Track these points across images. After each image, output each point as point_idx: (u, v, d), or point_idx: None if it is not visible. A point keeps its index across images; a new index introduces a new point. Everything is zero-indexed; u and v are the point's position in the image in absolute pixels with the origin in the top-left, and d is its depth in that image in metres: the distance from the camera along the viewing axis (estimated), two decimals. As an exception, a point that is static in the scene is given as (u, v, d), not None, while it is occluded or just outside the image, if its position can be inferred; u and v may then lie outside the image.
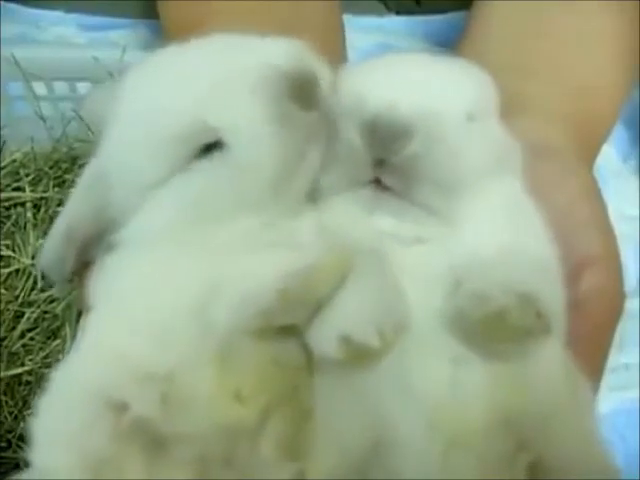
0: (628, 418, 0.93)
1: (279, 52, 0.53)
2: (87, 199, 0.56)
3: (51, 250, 0.56)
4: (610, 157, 1.11)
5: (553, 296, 0.49)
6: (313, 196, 0.55)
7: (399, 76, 0.55)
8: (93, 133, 0.61)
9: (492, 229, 0.53)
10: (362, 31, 1.23)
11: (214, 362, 0.48)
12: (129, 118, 0.54)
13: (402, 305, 0.48)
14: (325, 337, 0.46)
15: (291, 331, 0.48)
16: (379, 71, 0.56)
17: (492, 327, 0.47)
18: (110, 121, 0.56)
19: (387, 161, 0.51)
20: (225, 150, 0.51)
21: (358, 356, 0.45)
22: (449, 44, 0.94)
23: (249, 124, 0.51)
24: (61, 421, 0.48)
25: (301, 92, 0.52)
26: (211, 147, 0.51)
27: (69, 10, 1.29)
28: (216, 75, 0.52)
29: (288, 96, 0.51)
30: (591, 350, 0.56)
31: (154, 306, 0.49)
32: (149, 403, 0.46)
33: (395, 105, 0.51)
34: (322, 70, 0.55)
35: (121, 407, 0.46)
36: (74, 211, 0.56)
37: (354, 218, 0.52)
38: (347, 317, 0.46)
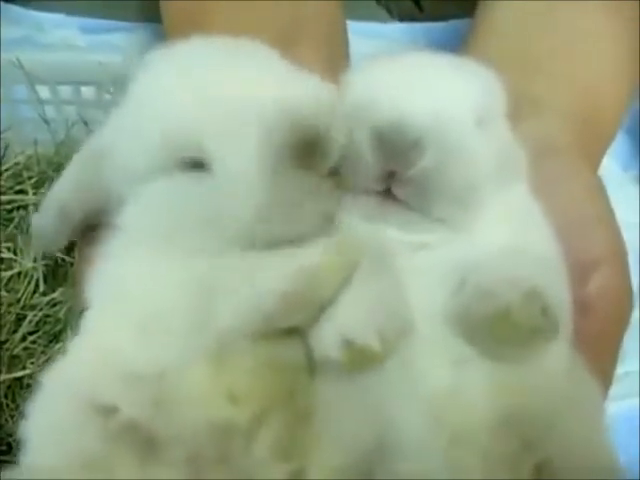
0: (628, 426, 0.93)
1: (297, 91, 0.51)
2: (82, 172, 0.55)
3: (45, 219, 0.55)
4: (610, 167, 1.11)
5: (559, 295, 0.48)
6: None
7: (406, 81, 0.53)
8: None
9: (497, 231, 0.52)
10: (364, 37, 1.23)
11: (208, 362, 0.47)
12: (134, 105, 0.54)
13: (405, 308, 0.47)
14: (327, 340, 0.46)
15: (293, 333, 0.48)
16: (385, 76, 0.54)
17: (497, 324, 0.46)
18: (123, 101, 0.55)
19: (399, 174, 0.49)
20: (206, 172, 0.50)
21: (360, 359, 0.45)
22: (451, 51, 0.94)
23: (241, 164, 0.49)
24: (51, 422, 0.47)
25: (305, 150, 0.48)
26: (196, 164, 0.50)
27: (70, 13, 1.29)
28: (229, 99, 0.50)
29: (291, 149, 0.48)
30: (601, 351, 0.56)
31: (146, 306, 0.49)
32: (139, 405, 0.46)
33: (404, 115, 0.49)
34: (334, 115, 0.51)
35: (110, 409, 0.46)
36: (68, 182, 0.55)
37: (358, 224, 0.51)
38: (349, 320, 0.46)
